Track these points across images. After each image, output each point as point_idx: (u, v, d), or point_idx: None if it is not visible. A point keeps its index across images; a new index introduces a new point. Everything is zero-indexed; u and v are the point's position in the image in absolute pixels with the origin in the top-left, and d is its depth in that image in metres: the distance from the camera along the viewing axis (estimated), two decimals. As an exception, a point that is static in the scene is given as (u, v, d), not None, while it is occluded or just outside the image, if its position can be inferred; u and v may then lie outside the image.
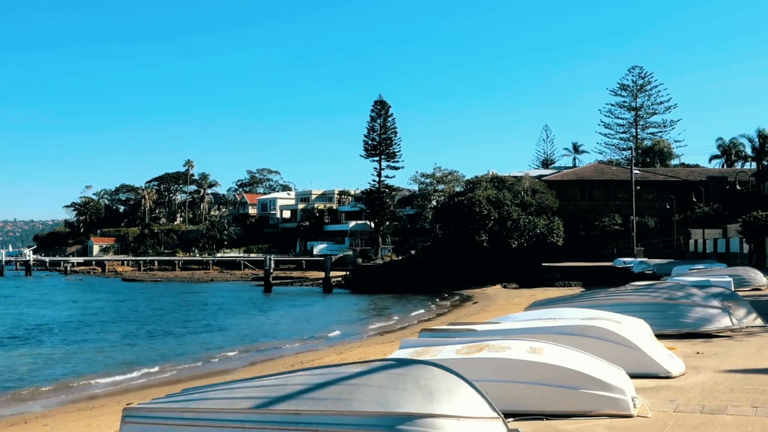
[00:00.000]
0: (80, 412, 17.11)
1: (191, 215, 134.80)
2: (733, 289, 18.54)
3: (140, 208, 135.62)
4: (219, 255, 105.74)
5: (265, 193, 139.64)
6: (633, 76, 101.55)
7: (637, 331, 9.69)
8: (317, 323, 38.33)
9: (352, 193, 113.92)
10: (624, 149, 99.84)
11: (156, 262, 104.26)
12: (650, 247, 60.25)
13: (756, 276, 26.73)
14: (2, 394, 20.28)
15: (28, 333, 35.22)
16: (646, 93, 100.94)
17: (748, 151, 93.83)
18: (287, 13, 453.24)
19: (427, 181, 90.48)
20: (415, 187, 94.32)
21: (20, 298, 60.27)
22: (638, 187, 62.43)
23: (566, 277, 51.05)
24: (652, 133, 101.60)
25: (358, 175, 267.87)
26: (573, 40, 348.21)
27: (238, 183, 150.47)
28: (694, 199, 61.61)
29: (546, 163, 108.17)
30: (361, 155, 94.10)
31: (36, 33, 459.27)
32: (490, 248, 56.86)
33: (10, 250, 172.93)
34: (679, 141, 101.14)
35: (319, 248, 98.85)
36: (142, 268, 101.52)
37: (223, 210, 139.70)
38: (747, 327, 13.80)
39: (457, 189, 77.10)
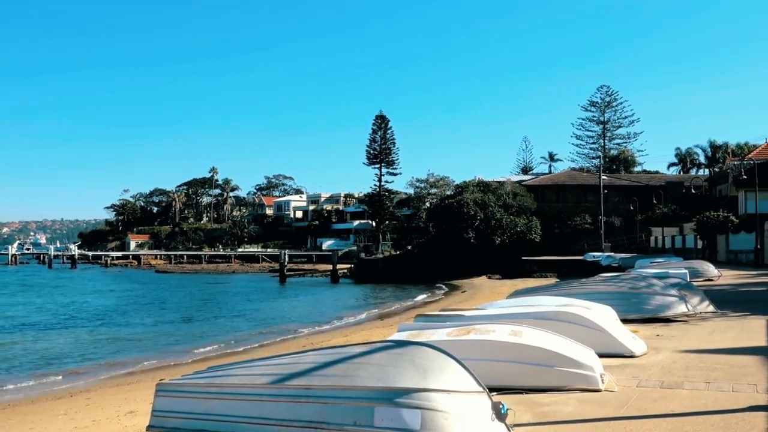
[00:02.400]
0: (119, 387, 17.11)
1: (215, 215, 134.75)
2: (688, 280, 18.56)
3: (171, 209, 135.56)
4: (240, 250, 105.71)
5: (280, 196, 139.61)
6: (601, 94, 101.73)
7: (604, 316, 9.69)
8: (326, 309, 38.33)
9: (356, 195, 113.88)
10: (593, 158, 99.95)
11: (185, 256, 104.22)
12: (616, 243, 60.30)
13: (708, 268, 26.74)
14: (51, 372, 20.30)
15: (74, 318, 35.26)
16: (613, 109, 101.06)
17: (702, 159, 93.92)
18: (300, 39, 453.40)
19: (422, 185, 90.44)
20: (411, 191, 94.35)
21: (67, 287, 60.29)
22: (606, 191, 62.49)
23: (543, 269, 51.05)
24: (617, 144, 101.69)
25: (361, 180, 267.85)
26: (548, 61, 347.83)
27: (257, 187, 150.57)
28: (654, 201, 61.63)
29: (525, 170, 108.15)
30: (364, 163, 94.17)
31: (82, 55, 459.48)
32: (476, 244, 56.91)
33: (58, 245, 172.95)
34: (642, 150, 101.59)
35: (327, 244, 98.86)
36: (173, 262, 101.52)
37: (244, 211, 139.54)
38: (700, 313, 13.81)
39: (448, 192, 77.04)
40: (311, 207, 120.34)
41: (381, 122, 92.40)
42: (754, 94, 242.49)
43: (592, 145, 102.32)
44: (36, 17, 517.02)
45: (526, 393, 6.92)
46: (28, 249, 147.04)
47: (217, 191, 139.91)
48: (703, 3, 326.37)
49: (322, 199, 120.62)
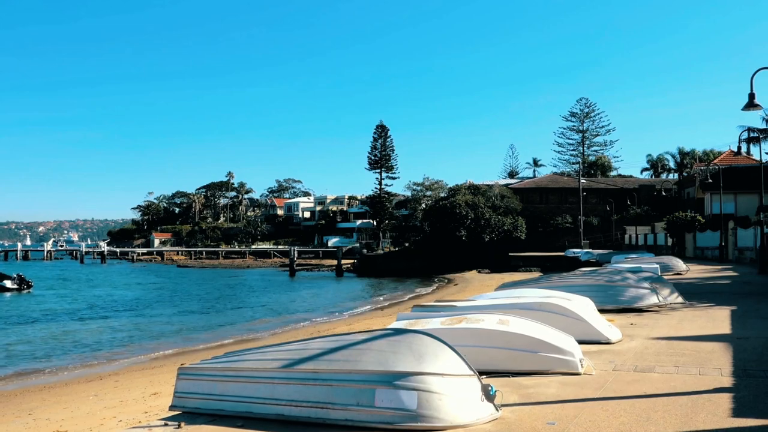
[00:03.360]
0: (144, 371, 17.10)
1: (232, 215, 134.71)
2: (659, 274, 18.48)
3: (191, 209, 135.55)
4: (254, 247, 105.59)
5: (290, 198, 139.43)
6: (580, 105, 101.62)
7: (583, 306, 9.65)
8: (331, 301, 38.33)
9: (359, 197, 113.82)
10: (573, 163, 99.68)
11: (204, 252, 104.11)
12: (594, 240, 60.34)
13: (678, 263, 26.69)
14: (81, 358, 20.31)
15: (102, 308, 35.23)
16: (591, 119, 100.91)
17: (671, 164, 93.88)
18: (309, 56, 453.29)
19: (418, 188, 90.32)
20: (408, 193, 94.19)
21: (97, 281, 60.26)
22: (584, 194, 62.47)
23: (528, 264, 51.05)
24: (595, 150, 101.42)
25: (363, 184, 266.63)
26: (533, 76, 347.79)
27: (269, 190, 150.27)
28: (628, 203, 61.63)
29: (512, 174, 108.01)
30: (365, 168, 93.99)
31: (110, 70, 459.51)
32: (467, 241, 56.90)
33: (89, 242, 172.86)
34: (617, 157, 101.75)
35: (332, 241, 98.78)
36: (193, 257, 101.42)
37: (257, 211, 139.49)
38: (670, 304, 13.79)
39: (442, 194, 76.95)
40: (318, 208, 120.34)
41: (381, 131, 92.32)
42: (718, 107, 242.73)
43: (572, 152, 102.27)
44: (72, 36, 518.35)
45: (512, 376, 6.91)
46: (61, 246, 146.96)
47: (233, 194, 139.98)
48: (671, 26, 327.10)
49: (328, 201, 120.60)
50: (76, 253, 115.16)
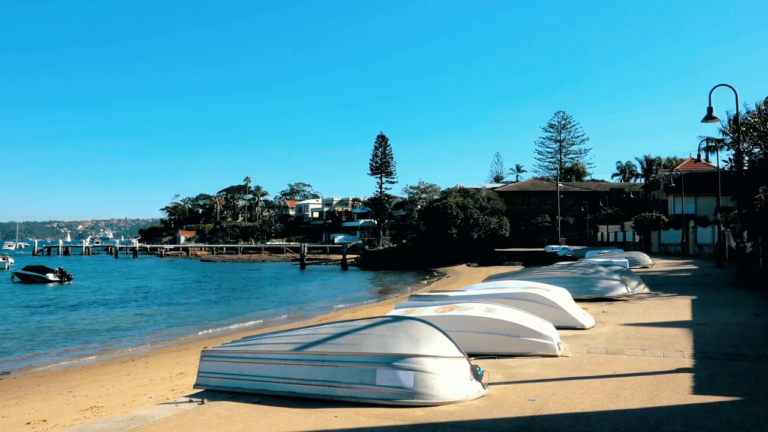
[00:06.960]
0: (171, 353, 17.08)
1: (249, 215, 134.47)
2: (628, 267, 18.48)
3: (213, 210, 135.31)
4: (268, 243, 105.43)
5: (300, 200, 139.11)
6: (558, 118, 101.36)
7: (561, 296, 9.65)
8: (337, 291, 38.26)
9: (362, 199, 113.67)
10: (552, 169, 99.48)
11: (224, 248, 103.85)
12: (570, 237, 60.32)
13: (644, 258, 26.71)
14: (116, 341, 20.29)
15: (135, 297, 35.16)
16: (567, 130, 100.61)
17: (639, 170, 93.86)
18: (315, 74, 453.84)
19: (414, 191, 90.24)
20: (405, 195, 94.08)
21: (130, 273, 60.17)
22: (562, 196, 62.48)
23: (511, 258, 51.00)
24: (571, 158, 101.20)
25: (366, 187, 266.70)
26: (517, 92, 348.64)
27: (282, 192, 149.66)
28: (600, 204, 61.63)
29: (497, 179, 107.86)
30: (367, 173, 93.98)
31: (142, 87, 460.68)
32: (458, 239, 56.87)
33: (122, 239, 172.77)
34: (590, 163, 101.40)
35: (338, 238, 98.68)
36: (215, 253, 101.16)
37: (271, 212, 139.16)
38: (638, 294, 13.78)
39: (435, 197, 76.87)
40: (325, 209, 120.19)
41: (381, 141, 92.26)
42: (680, 119, 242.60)
43: (550, 159, 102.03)
44: (107, 56, 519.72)
45: (497, 358, 6.91)
46: (98, 242, 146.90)
47: (250, 196, 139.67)
48: (640, 47, 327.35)
49: (334, 202, 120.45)
50: (111, 249, 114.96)
